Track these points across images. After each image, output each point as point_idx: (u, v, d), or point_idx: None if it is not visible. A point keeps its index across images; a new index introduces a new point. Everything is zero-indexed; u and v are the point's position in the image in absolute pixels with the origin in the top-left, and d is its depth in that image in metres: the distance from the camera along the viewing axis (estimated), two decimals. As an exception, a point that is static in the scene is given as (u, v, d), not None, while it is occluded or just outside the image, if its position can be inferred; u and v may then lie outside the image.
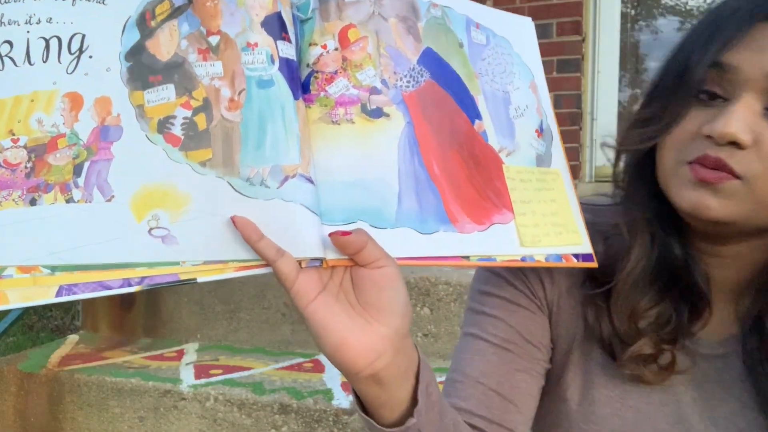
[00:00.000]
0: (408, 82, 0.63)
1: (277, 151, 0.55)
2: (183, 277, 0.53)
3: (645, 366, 0.67)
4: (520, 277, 0.73)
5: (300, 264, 0.54)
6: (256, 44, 0.56)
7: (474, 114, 0.66)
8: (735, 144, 0.60)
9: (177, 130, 0.55)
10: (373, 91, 0.61)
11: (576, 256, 0.67)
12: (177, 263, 0.53)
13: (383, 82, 0.62)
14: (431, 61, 0.65)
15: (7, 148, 0.53)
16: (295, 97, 0.57)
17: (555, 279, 0.73)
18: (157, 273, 0.53)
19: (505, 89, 0.70)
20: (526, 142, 0.70)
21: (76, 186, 0.53)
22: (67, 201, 0.53)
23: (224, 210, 0.54)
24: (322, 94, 0.59)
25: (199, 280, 0.54)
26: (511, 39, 0.73)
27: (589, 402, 0.70)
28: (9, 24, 0.55)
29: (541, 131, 0.72)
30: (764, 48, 0.61)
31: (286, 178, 0.55)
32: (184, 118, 0.55)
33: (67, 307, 3.64)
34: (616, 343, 0.68)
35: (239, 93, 0.55)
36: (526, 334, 0.72)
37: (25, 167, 0.53)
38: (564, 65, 3.06)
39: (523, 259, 0.65)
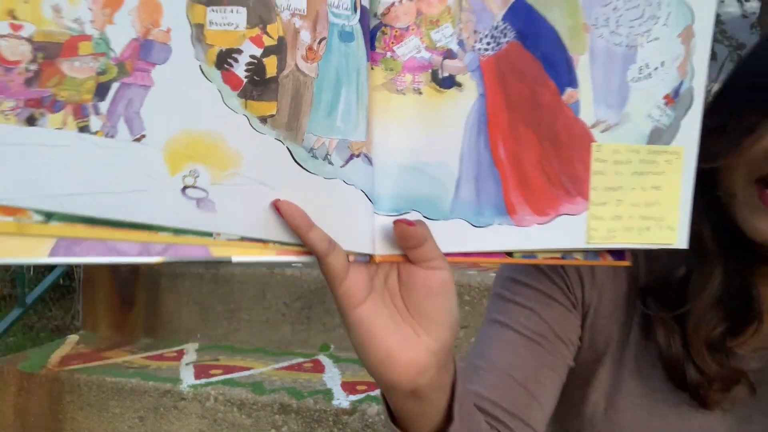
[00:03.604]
0: (488, 43, 0.53)
1: (347, 123, 0.46)
2: (215, 254, 0.43)
3: (710, 388, 0.63)
4: (557, 271, 0.68)
5: (351, 257, 0.46)
6: None
7: (566, 81, 0.55)
8: None
9: (240, 70, 0.43)
10: (448, 54, 0.51)
11: (612, 253, 0.58)
12: (210, 235, 0.42)
13: (460, 43, 0.52)
14: (520, 14, 0.54)
15: (4, 36, 0.36)
16: (368, 58, 0.47)
17: (597, 280, 0.67)
18: (185, 242, 0.42)
19: (632, 42, 0.56)
20: (641, 112, 0.57)
21: (96, 112, 0.40)
22: (81, 129, 0.39)
23: (277, 180, 0.44)
24: (389, 54, 0.49)
25: (234, 259, 0.43)
26: None
27: (615, 409, 0.67)
28: None
29: (674, 96, 0.58)
30: None
31: (351, 157, 0.46)
32: (252, 56, 0.43)
33: (67, 307, 3.70)
34: (689, 365, 0.64)
35: (320, 41, 0.45)
36: (558, 330, 0.68)
37: (27, 69, 0.37)
38: None
39: (563, 257, 0.57)
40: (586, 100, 0.56)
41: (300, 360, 2.08)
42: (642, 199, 0.57)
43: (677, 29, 0.57)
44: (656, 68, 0.57)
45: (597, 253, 0.58)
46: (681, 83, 0.58)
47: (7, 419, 2.06)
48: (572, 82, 0.55)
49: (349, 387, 1.84)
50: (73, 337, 2.41)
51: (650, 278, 0.66)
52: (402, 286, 0.49)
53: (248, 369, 1.97)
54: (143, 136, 0.41)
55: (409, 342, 0.47)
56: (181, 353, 2.19)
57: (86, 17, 0.39)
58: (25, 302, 2.29)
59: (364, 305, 0.46)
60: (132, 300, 2.34)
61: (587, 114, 0.55)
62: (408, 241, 0.46)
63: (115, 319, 2.41)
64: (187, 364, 2.03)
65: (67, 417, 1.99)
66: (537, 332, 0.68)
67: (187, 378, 1.91)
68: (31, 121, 0.38)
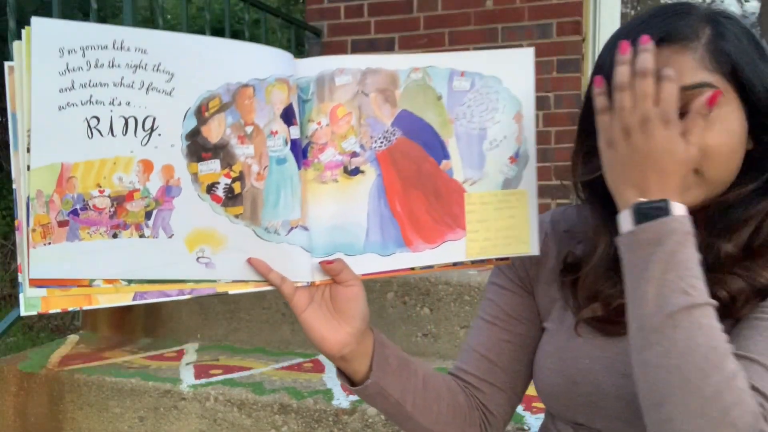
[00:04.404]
0: (381, 143, 0.90)
1: (286, 210, 0.86)
2: (219, 290, 0.84)
3: (601, 324, 0.90)
4: (511, 266, 1.02)
5: (297, 284, 0.87)
6: (276, 132, 0.85)
7: (442, 155, 0.91)
8: None
9: (220, 192, 0.83)
10: (354, 154, 0.89)
11: (498, 259, 0.96)
12: (215, 281, 0.84)
13: (361, 146, 0.89)
14: (405, 120, 0.90)
15: (96, 197, 0.79)
16: (299, 167, 0.87)
17: (534, 258, 0.98)
18: (201, 287, 0.83)
19: (483, 126, 0.91)
20: (495, 170, 0.92)
21: (147, 226, 0.81)
22: (140, 236, 0.81)
23: (249, 248, 0.85)
24: (316, 160, 0.88)
25: (230, 293, 0.85)
26: (502, 75, 0.91)
27: (567, 338, 0.93)
28: (97, 103, 0.78)
29: (516, 157, 0.93)
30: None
31: (291, 229, 0.86)
32: (226, 184, 0.83)
33: (66, 308, 3.71)
34: (580, 313, 0.92)
35: (264, 168, 0.84)
36: (510, 311, 1.01)
37: (109, 211, 0.80)
38: (564, 65, 3.20)
39: (454, 264, 0.94)
40: (457, 166, 0.92)
41: (300, 360, 2.14)
42: (503, 225, 0.93)
43: (511, 114, 0.92)
44: (501, 140, 0.92)
45: (486, 259, 0.96)
46: (519, 148, 0.93)
47: (7, 419, 2.10)
48: (446, 156, 0.91)
49: (348, 388, 1.84)
50: (73, 337, 2.47)
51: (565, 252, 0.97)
52: (331, 297, 0.89)
53: (248, 369, 2.04)
54: (173, 235, 0.82)
55: (335, 330, 0.87)
56: (181, 353, 2.26)
57: (135, 180, 0.81)
58: (25, 302, 2.30)
59: (306, 311, 0.87)
60: (132, 300, 2.34)
61: (458, 175, 0.92)
62: (330, 272, 0.87)
63: (115, 319, 2.47)
64: (187, 364, 2.10)
65: (67, 417, 2.04)
66: (494, 316, 1.01)
67: (187, 378, 1.97)
68: (115, 236, 0.80)
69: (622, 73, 0.78)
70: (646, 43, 0.78)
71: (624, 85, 0.78)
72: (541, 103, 3.47)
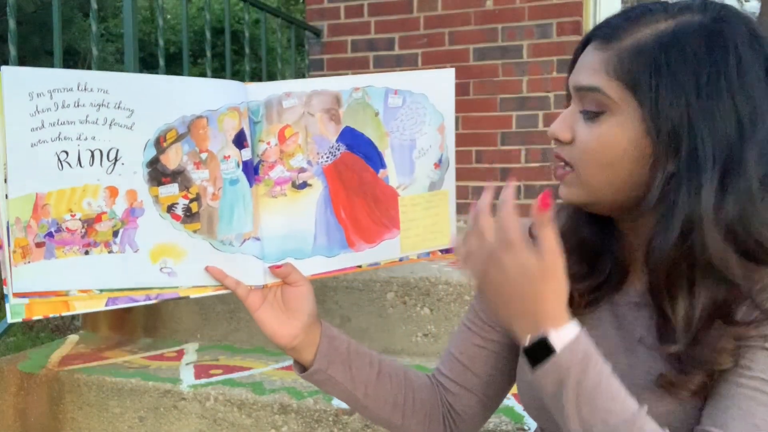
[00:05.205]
0: (327, 157, 1.02)
1: (240, 224, 0.98)
2: (181, 295, 0.97)
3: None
4: None
5: (251, 288, 1.00)
6: (229, 156, 0.96)
7: (379, 165, 1.05)
8: (560, 141, 0.87)
9: (179, 211, 0.94)
10: (301, 170, 1.01)
11: (441, 251, 1.10)
12: (177, 287, 0.96)
13: (308, 162, 1.01)
14: (348, 136, 1.02)
15: (68, 220, 0.90)
16: (250, 185, 0.99)
17: None
18: (165, 293, 0.96)
19: (413, 137, 1.06)
20: (423, 175, 1.07)
21: (115, 243, 0.93)
22: (109, 252, 0.92)
23: (207, 258, 0.97)
24: (266, 177, 1.00)
25: (192, 296, 0.98)
26: (428, 92, 1.05)
27: None
28: (65, 139, 0.88)
29: (439, 163, 1.08)
30: (579, 68, 0.86)
31: (244, 240, 0.98)
32: (184, 204, 0.95)
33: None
34: None
35: (218, 189, 0.96)
36: (484, 317, 1.06)
37: (81, 232, 0.91)
38: (564, 65, 3.24)
39: (400, 260, 1.07)
40: (392, 174, 1.04)
41: (300, 360, 2.10)
42: (430, 223, 1.07)
43: (435, 126, 1.06)
44: (427, 149, 1.06)
45: (429, 252, 1.08)
46: (441, 155, 1.07)
47: (7, 419, 2.11)
48: (383, 166, 1.04)
49: (349, 387, 1.85)
50: (73, 337, 2.49)
51: None
52: (282, 296, 1.01)
53: (248, 369, 2.07)
54: (138, 249, 0.93)
55: (285, 325, 0.98)
56: (181, 353, 2.29)
57: (103, 204, 0.91)
58: (25, 302, 2.31)
59: (259, 310, 0.99)
60: (132, 300, 2.35)
61: (393, 182, 1.05)
62: (279, 276, 1.00)
63: (115, 319, 2.50)
64: (187, 364, 2.13)
65: (67, 417, 2.06)
66: (470, 321, 1.07)
67: (187, 378, 1.99)
68: (87, 253, 0.91)
69: (468, 223, 0.82)
70: (488, 189, 0.81)
71: (470, 231, 0.80)
72: (541, 103, 3.56)
